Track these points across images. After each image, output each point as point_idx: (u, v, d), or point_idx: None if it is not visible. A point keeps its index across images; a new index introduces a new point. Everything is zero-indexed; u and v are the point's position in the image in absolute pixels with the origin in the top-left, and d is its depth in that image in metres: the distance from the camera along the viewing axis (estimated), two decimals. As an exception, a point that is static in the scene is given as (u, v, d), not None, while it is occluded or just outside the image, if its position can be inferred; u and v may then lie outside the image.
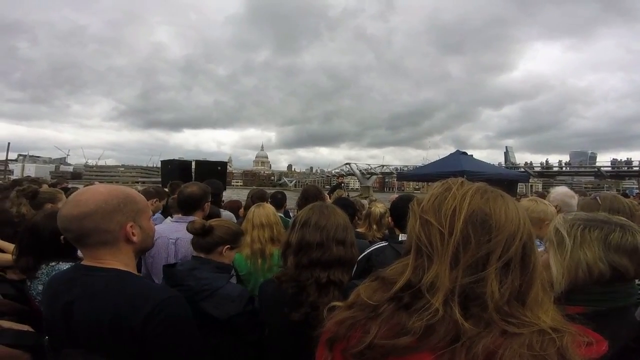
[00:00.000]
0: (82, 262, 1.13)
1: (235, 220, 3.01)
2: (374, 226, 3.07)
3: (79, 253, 1.67)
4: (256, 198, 3.53)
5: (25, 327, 1.47)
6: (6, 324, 1.48)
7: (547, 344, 0.58)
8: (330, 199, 4.76)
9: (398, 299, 0.65)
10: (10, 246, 1.92)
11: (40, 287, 1.59)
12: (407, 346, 0.61)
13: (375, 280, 0.72)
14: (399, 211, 2.13)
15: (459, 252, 0.63)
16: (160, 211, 3.62)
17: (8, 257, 1.88)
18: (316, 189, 3.56)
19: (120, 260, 1.10)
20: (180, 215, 2.41)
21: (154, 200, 3.57)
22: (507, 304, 0.62)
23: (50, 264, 1.64)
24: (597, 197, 2.00)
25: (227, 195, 7.68)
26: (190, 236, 1.80)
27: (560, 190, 2.97)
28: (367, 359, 0.63)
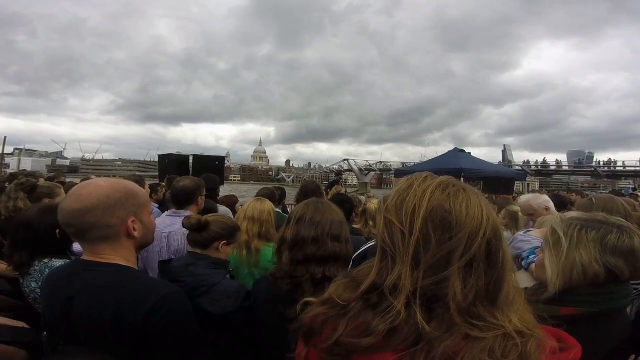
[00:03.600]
0: (82, 257, 1.12)
1: (232, 216, 3.00)
2: (370, 222, 3.07)
3: (75, 248, 1.66)
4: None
5: (20, 324, 1.45)
6: (1, 320, 1.47)
7: (509, 349, 0.57)
8: (327, 195, 4.76)
9: (365, 299, 0.65)
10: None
11: (34, 285, 1.57)
12: (370, 346, 0.61)
13: (346, 279, 0.73)
14: None
15: (420, 252, 0.62)
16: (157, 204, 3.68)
17: (2, 266, 1.89)
18: (315, 184, 3.55)
19: (121, 256, 1.10)
20: (174, 210, 2.40)
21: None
22: (473, 305, 0.60)
23: (44, 261, 1.61)
24: (593, 198, 2.02)
25: (225, 190, 7.65)
26: (183, 229, 1.78)
27: (525, 199, 3.10)
28: (335, 355, 0.64)
